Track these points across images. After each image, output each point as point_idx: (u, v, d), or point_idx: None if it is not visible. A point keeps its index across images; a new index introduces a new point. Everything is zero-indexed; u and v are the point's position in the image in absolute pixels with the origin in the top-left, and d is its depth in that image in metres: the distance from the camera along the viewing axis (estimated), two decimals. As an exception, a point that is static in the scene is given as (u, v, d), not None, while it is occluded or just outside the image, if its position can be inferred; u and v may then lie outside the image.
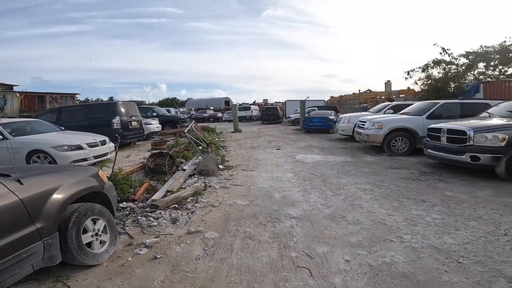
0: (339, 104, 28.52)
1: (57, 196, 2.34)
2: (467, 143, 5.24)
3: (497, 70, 17.68)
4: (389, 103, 13.50)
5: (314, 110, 18.80)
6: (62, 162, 6.00)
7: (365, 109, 18.86)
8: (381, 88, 39.28)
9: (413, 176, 5.59)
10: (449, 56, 17.88)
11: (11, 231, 1.99)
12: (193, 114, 32.62)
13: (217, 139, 12.26)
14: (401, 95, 26.61)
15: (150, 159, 6.13)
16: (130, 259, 2.80)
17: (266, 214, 3.83)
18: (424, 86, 18.40)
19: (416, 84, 19.29)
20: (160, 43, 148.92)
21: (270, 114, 24.94)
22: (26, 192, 2.14)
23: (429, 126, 6.47)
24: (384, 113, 10.80)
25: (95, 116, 9.56)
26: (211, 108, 39.00)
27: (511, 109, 5.87)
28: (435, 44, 18.45)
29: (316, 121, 15.03)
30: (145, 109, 16.48)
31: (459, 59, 18.01)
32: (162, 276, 2.49)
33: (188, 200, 4.43)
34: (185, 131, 8.04)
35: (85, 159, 6.33)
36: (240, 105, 33.70)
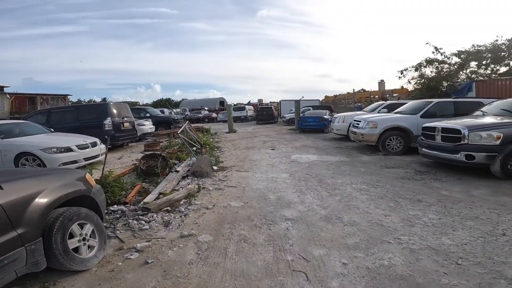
0: (334, 103, 28.61)
1: (39, 200, 2.24)
2: (462, 142, 5.23)
3: (489, 69, 17.89)
4: (383, 102, 13.54)
5: (309, 110, 18.80)
6: (51, 164, 5.84)
7: (359, 109, 18.93)
8: (374, 87, 39.64)
9: (409, 175, 5.56)
10: (441, 55, 18.06)
11: None
12: (187, 114, 32.40)
13: (211, 139, 12.15)
14: (394, 94, 26.85)
15: (142, 161, 6.00)
16: (120, 264, 2.71)
17: (261, 216, 3.74)
18: (418, 85, 18.52)
19: (410, 83, 19.43)
20: (154, 43, 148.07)
21: (265, 114, 24.88)
22: (6, 197, 2.05)
23: (423, 125, 6.45)
24: (378, 112, 10.82)
25: (86, 117, 9.37)
26: (206, 108, 38.77)
27: (505, 108, 5.87)
28: (427, 43, 18.63)
29: (311, 120, 15.01)
30: (138, 110, 16.27)
31: (452, 58, 18.21)
32: (154, 282, 2.40)
33: (181, 202, 4.33)
34: (178, 132, 7.91)
35: (75, 162, 6.17)
36: (235, 105, 33.57)
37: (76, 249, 2.52)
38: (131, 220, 3.67)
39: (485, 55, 17.63)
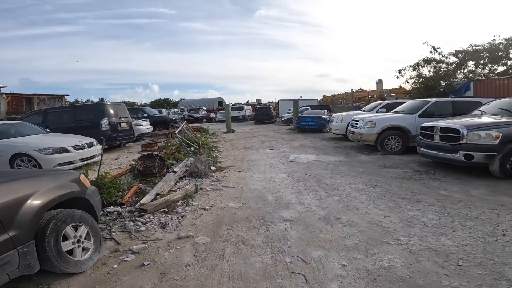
0: (332, 103, 28.63)
1: (32, 202, 2.20)
2: (461, 142, 5.20)
3: (486, 68, 17.93)
4: (382, 101, 13.53)
5: (307, 109, 18.78)
6: (47, 165, 5.78)
7: (358, 108, 18.95)
8: (372, 87, 39.70)
9: (407, 175, 5.54)
10: (439, 54, 18.10)
11: None
12: (185, 114, 32.31)
13: (209, 139, 12.10)
14: (392, 94, 26.88)
15: (139, 161, 5.94)
16: (116, 266, 2.67)
17: (259, 217, 3.70)
18: (415, 85, 18.56)
19: (408, 82, 19.47)
20: (153, 43, 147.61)
21: (263, 114, 24.86)
22: None
23: (422, 125, 6.43)
24: (376, 112, 10.81)
25: (82, 117, 9.29)
26: (204, 108, 38.70)
27: (504, 107, 5.86)
28: (425, 43, 18.70)
29: (309, 120, 14.99)
30: (136, 110, 16.19)
31: (449, 58, 18.25)
32: (150, 285, 2.36)
33: (179, 203, 4.28)
34: (176, 132, 7.85)
35: (71, 162, 6.11)
36: (233, 105, 33.53)
37: (71, 251, 2.49)
38: (128, 222, 3.62)
39: (482, 54, 17.65)
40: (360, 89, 37.28)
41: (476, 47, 18.01)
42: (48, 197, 2.33)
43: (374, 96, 30.72)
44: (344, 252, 2.75)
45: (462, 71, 18.51)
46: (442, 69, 17.95)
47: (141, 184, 5.28)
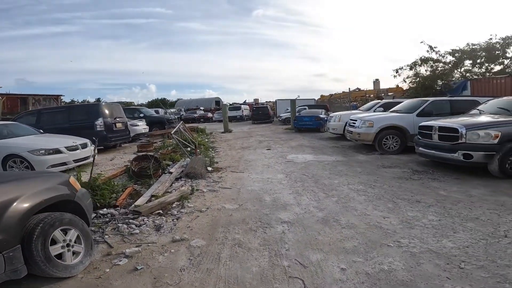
0: (329, 103, 28.57)
1: (17, 206, 2.12)
2: (459, 141, 5.16)
3: (483, 67, 17.97)
4: (379, 101, 13.51)
5: (305, 109, 18.74)
6: (39, 167, 5.66)
7: (355, 108, 18.93)
8: (369, 86, 39.73)
9: (406, 175, 5.48)
10: (436, 54, 18.12)
11: None
12: (182, 114, 32.15)
13: (206, 140, 12.00)
14: (389, 93, 26.90)
15: (134, 162, 5.83)
16: (108, 270, 2.59)
17: (256, 219, 3.62)
18: (413, 84, 18.58)
19: (405, 82, 19.50)
20: (149, 43, 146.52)
21: (260, 113, 24.78)
22: None
23: (420, 124, 6.38)
24: (374, 111, 10.77)
25: (77, 118, 9.14)
26: (201, 108, 38.54)
27: (502, 106, 5.82)
28: (422, 42, 18.71)
29: (306, 120, 14.93)
30: (132, 110, 16.05)
31: (446, 57, 18.28)
32: (143, 290, 2.27)
33: (174, 205, 4.19)
34: (172, 133, 7.75)
35: (64, 164, 5.99)
36: (230, 105, 33.41)
37: (60, 255, 2.43)
38: (121, 224, 3.53)
39: (479, 53, 17.69)
40: (357, 88, 37.31)
41: (473, 47, 18.05)
42: (34, 200, 2.25)
43: (371, 95, 30.77)
44: (343, 255, 2.68)
45: (459, 70, 18.55)
46: (439, 69, 17.99)
47: (136, 185, 5.19)
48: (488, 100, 6.93)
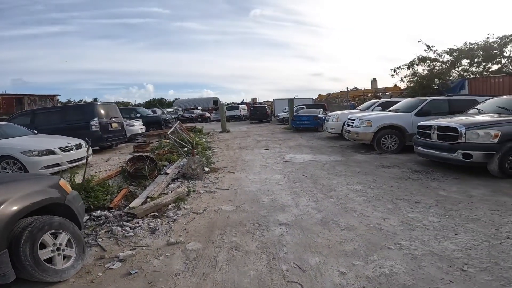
0: (327, 102, 28.56)
1: (3, 210, 2.06)
2: (459, 140, 5.10)
3: (481, 66, 18.00)
4: (377, 100, 13.47)
5: (303, 108, 18.68)
6: (32, 168, 5.56)
7: (353, 107, 18.89)
8: (367, 86, 39.79)
9: (405, 175, 5.43)
10: (434, 53, 18.13)
11: None
12: (180, 114, 32.01)
13: (203, 139, 11.91)
14: (387, 93, 26.94)
15: (129, 163, 5.73)
16: (100, 274, 2.52)
17: (253, 221, 3.54)
18: (410, 83, 18.57)
19: (403, 81, 19.50)
20: (147, 43, 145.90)
21: (258, 113, 24.72)
22: None
23: (419, 123, 6.33)
24: (372, 111, 10.71)
25: (72, 118, 8.99)
26: (199, 108, 38.41)
27: (501, 105, 5.78)
28: (419, 41, 18.69)
29: (304, 119, 14.86)
30: (128, 110, 15.91)
31: (444, 56, 18.30)
32: (136, 296, 2.20)
33: (170, 207, 4.10)
34: (168, 133, 7.65)
35: (58, 165, 5.88)
36: (228, 104, 33.33)
37: (51, 260, 2.37)
38: (115, 227, 3.44)
39: (477, 53, 17.72)
40: (355, 88, 37.37)
41: (471, 46, 18.07)
42: (21, 204, 2.17)
43: (369, 95, 30.79)
44: (343, 258, 2.61)
45: (457, 69, 18.58)
46: (437, 68, 18.00)
47: (131, 186, 5.09)
48: (486, 99, 6.89)
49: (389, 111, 8.88)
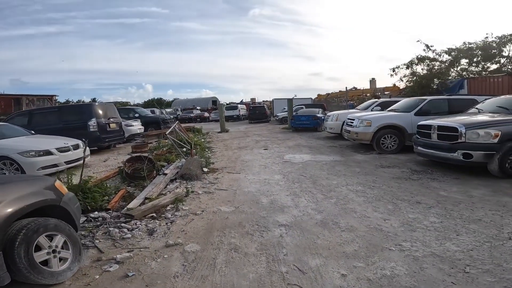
0: (326, 102, 28.54)
1: None
2: (459, 140, 5.08)
3: (480, 66, 17.99)
4: (376, 100, 13.45)
5: (302, 108, 18.65)
6: (29, 168, 5.50)
7: (352, 107, 18.88)
8: (365, 85, 39.80)
9: (405, 175, 5.40)
10: (433, 52, 18.12)
11: None
12: (179, 114, 31.95)
13: (202, 140, 11.86)
14: (386, 92, 26.93)
15: (127, 164, 5.69)
16: (97, 277, 2.48)
17: (253, 222, 3.50)
18: (409, 83, 18.55)
19: (402, 81, 19.46)
20: (145, 43, 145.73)
21: (257, 113, 24.68)
22: None
23: (419, 123, 6.30)
24: (371, 110, 10.69)
25: (69, 118, 8.93)
26: (198, 108, 38.34)
27: (501, 105, 5.75)
28: (418, 41, 18.67)
29: (304, 119, 14.82)
30: (127, 110, 15.85)
31: (442, 56, 18.28)
32: (134, 299, 2.16)
33: (168, 208, 4.06)
34: (167, 133, 7.60)
35: (55, 165, 5.82)
36: (227, 104, 33.28)
37: (46, 262, 2.33)
38: (112, 228, 3.40)
39: (475, 52, 17.72)
40: (354, 87, 37.35)
41: (469, 45, 18.07)
42: (16, 206, 2.13)
43: (368, 94, 30.78)
44: (343, 260, 2.57)
45: (456, 69, 18.57)
46: (436, 67, 17.98)
47: (129, 187, 5.05)
48: (486, 99, 6.87)
49: (389, 111, 8.85)
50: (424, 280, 2.24)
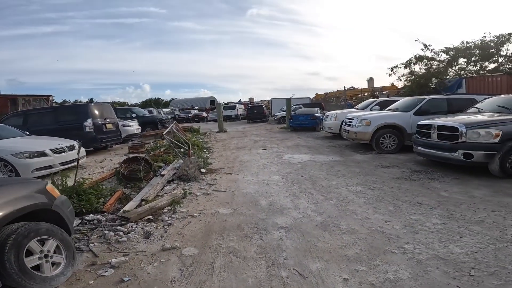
0: (324, 101, 28.49)
1: None
2: (459, 140, 5.03)
3: (477, 65, 18.03)
4: (375, 99, 13.42)
5: (300, 108, 18.59)
6: (24, 170, 5.40)
7: (350, 106, 18.85)
8: (363, 85, 39.82)
9: (405, 175, 5.34)
10: (431, 52, 18.14)
11: None
12: (177, 114, 31.80)
13: (200, 140, 11.77)
14: (384, 92, 26.92)
15: (123, 165, 5.59)
16: (92, 282, 2.41)
17: (252, 225, 3.43)
18: (408, 82, 18.57)
19: (400, 80, 19.50)
20: (143, 43, 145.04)
21: (255, 112, 24.63)
22: None
23: (418, 123, 6.25)
24: (370, 110, 10.65)
25: (65, 119, 8.82)
26: (196, 108, 38.19)
27: (501, 104, 5.71)
28: (416, 40, 18.70)
29: (302, 119, 14.77)
30: (124, 110, 15.72)
31: (441, 55, 18.32)
32: (129, 306, 2.10)
33: (165, 210, 3.98)
34: (164, 133, 7.51)
35: (50, 167, 5.71)
36: (225, 104, 33.18)
37: (38, 267, 2.26)
38: (108, 232, 3.32)
39: (473, 51, 17.76)
40: (352, 87, 37.30)
41: (467, 44, 18.11)
42: (5, 211, 2.05)
43: (366, 94, 30.77)
44: (345, 264, 2.51)
45: (453, 68, 18.60)
46: (434, 67, 18.01)
47: (125, 189, 4.95)
48: (485, 98, 6.84)
49: (388, 110, 8.80)
50: (428, 284, 2.18)
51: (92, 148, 9.19)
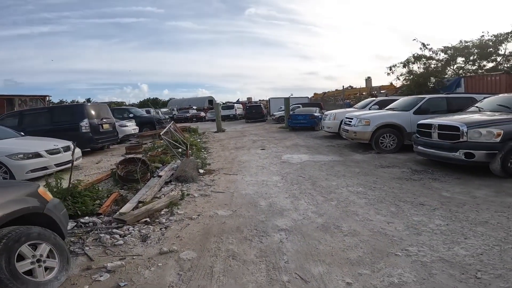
0: (323, 100, 28.45)
1: None
2: (460, 139, 4.98)
3: (476, 64, 18.05)
4: (374, 98, 13.38)
5: (299, 107, 18.54)
6: (18, 172, 5.31)
7: (348, 105, 18.81)
8: (361, 84, 39.81)
9: (406, 175, 5.29)
10: (429, 51, 18.14)
11: None
12: (175, 114, 31.67)
13: (198, 140, 11.68)
14: (382, 91, 26.92)
15: (120, 166, 5.50)
16: (87, 287, 2.34)
17: (251, 227, 3.35)
18: (406, 81, 18.56)
19: (399, 79, 19.49)
20: (140, 42, 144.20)
21: (254, 112, 24.54)
22: None
23: (418, 122, 6.19)
24: (369, 109, 10.61)
25: (60, 119, 8.70)
26: (194, 107, 38.06)
27: (502, 103, 5.67)
28: (415, 40, 18.69)
29: (301, 118, 14.70)
30: (121, 110, 15.61)
31: (439, 54, 18.33)
32: (125, 312, 2.02)
33: (162, 212, 3.89)
34: (161, 133, 7.42)
35: (45, 168, 5.62)
36: (223, 104, 33.08)
37: (31, 272, 2.19)
38: (103, 235, 3.23)
39: (472, 50, 17.77)
40: (350, 86, 37.31)
41: (466, 44, 18.12)
42: None
43: (364, 93, 30.77)
44: (348, 267, 2.44)
45: (452, 67, 18.61)
46: (432, 66, 18.01)
47: (122, 190, 4.86)
48: (485, 97, 6.80)
49: (387, 109, 8.75)
50: (434, 287, 2.12)
51: (88, 149, 9.08)
